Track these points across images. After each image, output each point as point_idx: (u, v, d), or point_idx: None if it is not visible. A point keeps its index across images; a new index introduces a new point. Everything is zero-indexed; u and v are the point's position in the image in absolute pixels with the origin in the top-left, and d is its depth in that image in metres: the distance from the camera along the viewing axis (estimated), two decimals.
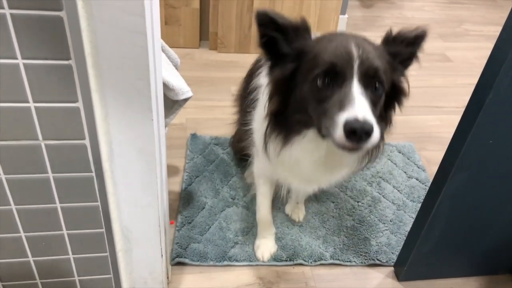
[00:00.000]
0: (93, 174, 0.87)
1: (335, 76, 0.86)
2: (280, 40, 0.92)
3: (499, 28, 3.24)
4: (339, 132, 0.81)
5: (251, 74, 1.32)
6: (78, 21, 0.69)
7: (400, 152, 1.96)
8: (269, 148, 1.06)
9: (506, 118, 1.10)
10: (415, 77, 2.53)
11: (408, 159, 1.93)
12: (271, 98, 0.98)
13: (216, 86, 2.28)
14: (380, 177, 1.82)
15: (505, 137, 1.13)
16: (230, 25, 2.46)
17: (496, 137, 1.13)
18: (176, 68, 1.55)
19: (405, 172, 1.86)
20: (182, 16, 2.43)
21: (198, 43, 2.55)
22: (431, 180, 1.82)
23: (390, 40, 0.97)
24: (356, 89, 0.84)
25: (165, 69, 1.39)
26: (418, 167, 1.90)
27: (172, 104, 1.43)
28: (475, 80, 2.70)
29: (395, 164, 1.90)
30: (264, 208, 1.42)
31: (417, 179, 1.83)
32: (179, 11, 2.41)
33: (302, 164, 1.07)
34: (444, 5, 3.45)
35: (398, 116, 2.21)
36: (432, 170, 1.91)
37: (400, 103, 1.03)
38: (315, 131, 0.95)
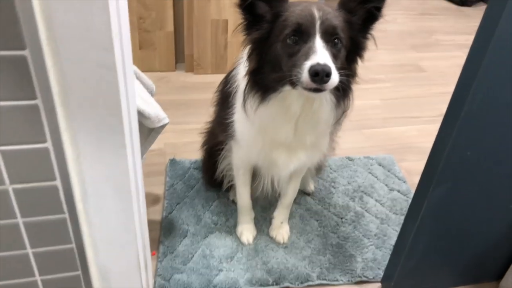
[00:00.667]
0: (66, 215, 0.83)
1: (301, 35, 1.03)
2: (259, 3, 1.07)
3: (469, 37, 3.34)
4: (305, 75, 0.98)
5: (231, 71, 1.40)
6: (43, 59, 0.67)
7: (380, 165, 1.97)
8: (247, 105, 1.17)
9: (482, 129, 1.11)
10: (390, 88, 2.57)
11: (389, 171, 1.94)
12: (249, 57, 1.13)
13: (194, 109, 2.27)
14: (362, 191, 1.82)
15: (483, 148, 1.14)
16: (206, 47, 2.45)
17: (473, 149, 1.14)
18: (152, 95, 1.53)
19: (386, 185, 1.87)
20: (156, 40, 2.42)
21: (174, 66, 2.54)
22: (412, 192, 1.84)
23: (346, 2, 1.10)
24: (319, 43, 1.01)
25: (140, 97, 1.37)
26: (399, 179, 1.90)
27: (148, 132, 1.41)
28: (448, 89, 2.74)
29: (376, 177, 1.90)
30: (245, 195, 1.55)
31: (398, 191, 1.84)
32: (153, 35, 2.40)
33: (279, 122, 1.18)
34: (415, 16, 3.53)
35: (377, 129, 2.23)
36: (412, 181, 1.92)
37: (360, 56, 1.16)
38: (289, 88, 1.07)
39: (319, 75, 0.96)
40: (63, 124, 0.74)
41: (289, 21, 1.04)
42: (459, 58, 2.97)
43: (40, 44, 0.65)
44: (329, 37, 1.03)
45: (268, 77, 1.10)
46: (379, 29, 3.51)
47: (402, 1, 3.81)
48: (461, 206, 1.26)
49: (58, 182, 0.80)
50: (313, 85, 0.99)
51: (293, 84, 1.04)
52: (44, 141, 0.74)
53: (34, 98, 0.69)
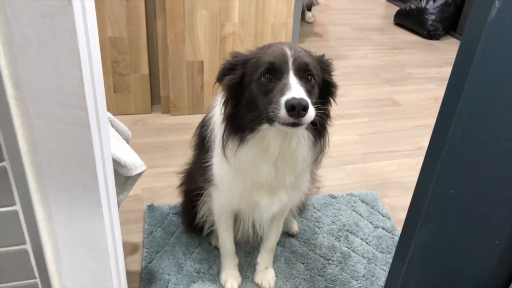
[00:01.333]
0: (38, 280, 0.77)
1: (275, 72, 1.06)
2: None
3: (439, 70, 3.42)
4: (282, 111, 0.99)
5: (207, 115, 1.41)
6: (11, 120, 0.63)
7: (363, 202, 1.95)
8: (227, 150, 1.16)
9: (464, 167, 1.10)
10: (367, 123, 2.59)
11: (372, 208, 1.92)
12: (225, 103, 1.14)
13: (171, 151, 2.22)
14: (347, 230, 1.79)
15: (466, 186, 1.14)
16: (182, 88, 2.44)
17: (457, 187, 1.13)
18: (127, 141, 1.49)
19: (371, 222, 1.84)
20: (131, 83, 2.40)
21: (150, 108, 2.51)
22: (397, 228, 1.83)
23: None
24: (292, 79, 1.04)
25: (115, 144, 1.33)
26: (383, 216, 1.88)
27: (125, 180, 1.36)
28: (424, 121, 2.79)
29: (360, 214, 1.88)
30: (228, 241, 1.50)
31: (383, 228, 1.82)
32: (128, 78, 2.38)
33: (259, 162, 1.16)
34: (386, 51, 3.62)
35: (357, 165, 2.23)
36: (396, 217, 1.91)
37: (332, 95, 1.18)
38: (266, 126, 1.09)
39: (296, 108, 0.97)
40: (33, 185, 0.69)
41: (262, 60, 1.07)
42: (432, 90, 3.04)
43: (7, 103, 0.61)
44: (302, 73, 1.07)
45: (245, 118, 1.11)
46: (352, 65, 3.58)
47: (372, 37, 3.92)
48: (449, 245, 1.25)
49: (28, 246, 0.74)
50: (291, 120, 0.99)
51: (271, 121, 1.05)
52: (13, 204, 0.69)
53: (1, 160, 0.65)
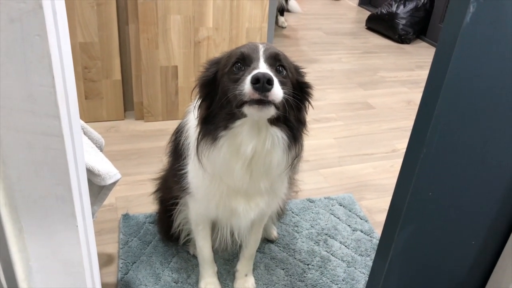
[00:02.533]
0: None
1: (245, 61, 1.06)
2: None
3: (411, 73, 3.48)
4: (247, 86, 0.97)
5: (181, 122, 1.38)
6: None
7: (341, 205, 1.95)
8: (200, 153, 1.14)
9: (442, 169, 1.11)
10: (342, 127, 2.61)
11: (350, 211, 1.93)
12: (200, 105, 1.13)
13: (146, 158, 2.18)
14: (326, 234, 1.79)
15: (443, 188, 1.15)
16: (156, 94, 2.40)
17: (435, 189, 1.14)
18: (101, 150, 1.44)
19: (349, 225, 1.85)
20: (103, 89, 2.34)
21: (123, 114, 2.45)
22: (375, 231, 1.84)
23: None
24: (262, 65, 1.03)
25: (88, 153, 1.29)
26: (361, 218, 1.89)
27: (99, 190, 1.32)
28: (398, 124, 2.83)
29: (338, 218, 1.88)
30: (206, 249, 1.47)
31: (361, 231, 1.82)
32: (100, 84, 2.32)
33: (232, 164, 1.13)
34: (359, 55, 3.66)
35: (334, 168, 2.23)
36: (374, 219, 1.92)
37: (309, 96, 1.16)
38: (239, 123, 1.07)
39: (260, 80, 0.94)
40: (2, 199, 0.65)
41: (234, 53, 1.09)
42: (404, 93, 3.09)
43: None
44: (273, 61, 1.06)
45: (219, 117, 1.09)
46: (326, 69, 3.61)
47: (345, 41, 3.97)
48: (428, 246, 1.26)
49: None
50: (256, 95, 0.96)
51: (240, 108, 1.02)
52: None
53: None
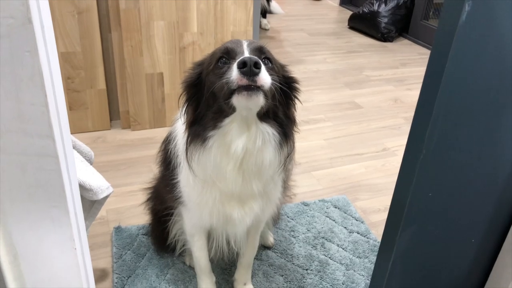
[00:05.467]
0: None
1: (230, 54, 1.03)
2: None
3: (395, 71, 3.50)
4: (234, 73, 0.94)
5: (170, 130, 1.35)
6: None
7: (336, 207, 1.94)
8: (190, 158, 1.10)
9: (441, 170, 1.10)
10: (332, 127, 2.60)
11: (345, 213, 1.91)
12: (186, 109, 1.10)
13: (135, 168, 2.13)
14: (323, 237, 1.77)
15: (443, 188, 1.14)
16: (142, 102, 2.35)
17: (435, 189, 1.13)
18: (90, 163, 1.40)
19: (345, 228, 1.83)
20: (88, 99, 2.29)
21: (109, 124, 2.40)
22: (371, 231, 1.83)
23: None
24: (247, 54, 1.01)
25: (79, 168, 1.25)
26: (356, 220, 1.88)
27: (90, 204, 1.28)
28: (386, 123, 2.83)
29: (334, 220, 1.87)
30: (203, 259, 1.43)
31: (358, 233, 1.81)
32: (84, 94, 2.26)
33: (223, 165, 1.09)
34: (343, 55, 3.67)
35: (326, 170, 2.22)
36: (369, 220, 1.91)
37: (296, 92, 1.13)
38: (228, 121, 1.04)
39: (247, 64, 0.92)
40: None
41: (217, 50, 1.07)
42: (390, 91, 3.10)
43: None
44: (258, 54, 1.04)
45: (206, 118, 1.07)
46: (311, 70, 3.60)
47: (328, 41, 3.97)
48: (429, 246, 1.25)
49: None
50: (243, 80, 0.94)
51: (228, 99, 0.98)
52: None
53: None
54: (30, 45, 0.52)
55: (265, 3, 4.09)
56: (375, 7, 3.98)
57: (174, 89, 2.38)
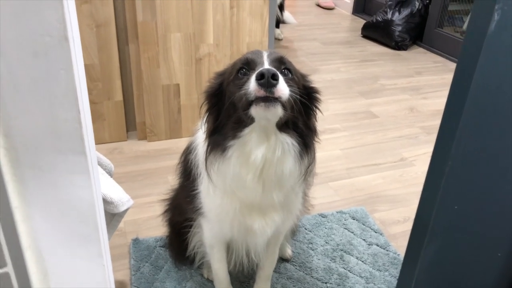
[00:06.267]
0: None
1: (250, 65, 1.04)
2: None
3: (410, 79, 3.47)
4: (252, 84, 0.95)
5: (190, 141, 1.34)
6: (1, 177, 0.55)
7: (354, 219, 1.92)
8: (209, 167, 1.11)
9: (467, 182, 1.08)
10: (348, 137, 2.58)
11: (364, 224, 1.89)
12: (207, 119, 1.11)
13: (152, 179, 2.13)
14: (341, 250, 1.75)
15: (470, 200, 1.12)
16: (158, 113, 2.36)
17: (461, 202, 1.11)
18: (110, 175, 1.41)
19: (364, 240, 1.81)
20: (105, 110, 2.30)
21: (125, 135, 2.41)
22: (391, 244, 1.80)
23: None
24: (267, 65, 1.01)
25: (100, 180, 1.25)
26: (375, 232, 1.85)
27: (111, 217, 1.28)
28: (403, 132, 2.80)
29: (352, 232, 1.84)
30: (222, 272, 1.44)
31: (377, 245, 1.78)
32: (101, 106, 2.28)
33: (243, 175, 1.09)
34: (357, 64, 3.65)
35: (343, 181, 2.20)
36: (388, 232, 1.88)
37: (316, 100, 1.13)
38: (248, 130, 1.04)
39: (265, 75, 0.92)
40: (26, 242, 0.61)
41: (238, 61, 1.08)
42: (406, 100, 3.08)
43: None
44: (278, 64, 1.04)
45: (226, 127, 1.07)
46: (325, 79, 3.58)
47: (342, 50, 3.96)
48: (454, 259, 1.22)
49: None
50: (261, 92, 0.94)
51: (247, 110, 0.99)
52: (3, 265, 0.61)
53: None
54: (65, 62, 0.52)
55: (278, 13, 4.10)
56: (389, 16, 3.97)
57: (190, 100, 2.39)
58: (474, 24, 0.91)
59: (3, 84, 0.50)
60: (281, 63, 1.06)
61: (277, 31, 4.12)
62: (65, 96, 0.54)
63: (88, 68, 2.19)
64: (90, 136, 0.65)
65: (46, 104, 0.53)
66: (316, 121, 1.14)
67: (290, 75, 1.06)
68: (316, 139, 1.15)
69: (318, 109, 1.14)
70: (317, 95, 1.13)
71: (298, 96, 1.03)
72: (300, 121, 1.07)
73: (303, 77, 1.14)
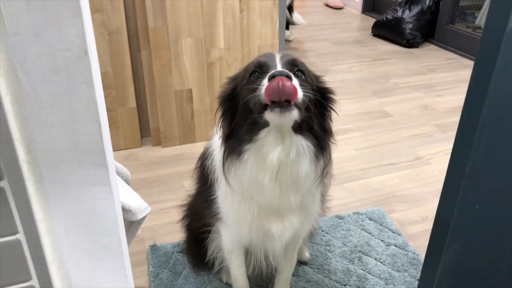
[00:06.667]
0: None
1: (262, 68, 1.03)
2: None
3: (423, 77, 3.44)
4: (265, 87, 0.94)
5: (207, 147, 1.35)
6: (24, 186, 0.56)
7: (371, 220, 1.90)
8: (227, 172, 1.11)
9: (487, 182, 1.07)
10: (362, 137, 2.57)
11: (381, 225, 1.87)
12: (222, 123, 1.11)
13: (167, 185, 2.14)
14: (360, 251, 1.74)
15: (491, 199, 1.10)
16: (172, 118, 2.37)
17: (481, 202, 1.09)
18: (127, 183, 1.41)
19: (382, 240, 1.79)
20: (119, 117, 2.32)
21: (139, 141, 2.43)
22: (409, 244, 1.78)
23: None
24: (279, 68, 1.01)
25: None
26: (393, 232, 1.84)
27: (129, 225, 1.28)
28: (417, 131, 2.78)
29: (370, 233, 1.83)
30: (241, 277, 1.43)
31: (395, 246, 1.77)
32: (115, 113, 2.30)
33: (260, 177, 1.09)
34: (369, 63, 3.63)
35: (358, 181, 2.18)
36: (406, 232, 1.86)
37: (331, 101, 1.12)
38: (263, 134, 1.04)
39: (276, 77, 0.93)
40: (50, 255, 0.62)
41: (251, 64, 1.08)
42: (420, 98, 3.05)
43: (20, 168, 0.54)
44: (291, 67, 1.04)
45: (241, 131, 1.06)
46: (337, 79, 3.55)
47: (353, 50, 3.94)
48: (476, 260, 1.20)
49: None
50: None
51: (261, 113, 0.99)
52: (29, 278, 0.61)
53: (15, 232, 0.57)
54: (86, 76, 0.52)
55: (288, 15, 4.09)
56: (399, 14, 3.94)
57: (203, 105, 2.40)
58: (492, 22, 0.90)
59: (27, 101, 0.50)
60: (294, 65, 1.05)
61: (287, 32, 4.12)
62: (86, 109, 0.54)
63: (101, 76, 2.20)
64: (109, 147, 0.65)
65: (68, 118, 0.54)
66: (332, 122, 1.14)
67: (303, 77, 1.05)
68: (332, 140, 1.14)
69: (333, 109, 1.13)
70: (332, 96, 1.13)
71: (312, 97, 1.02)
72: (315, 122, 1.07)
73: (317, 78, 1.13)
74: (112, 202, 0.61)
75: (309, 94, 1.01)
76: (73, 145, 0.55)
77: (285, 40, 4.08)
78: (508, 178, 1.08)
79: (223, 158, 1.11)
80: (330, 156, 1.14)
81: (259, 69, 1.04)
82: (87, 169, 0.57)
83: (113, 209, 0.62)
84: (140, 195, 1.31)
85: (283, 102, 0.94)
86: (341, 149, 2.45)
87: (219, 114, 1.12)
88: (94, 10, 2.08)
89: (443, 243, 1.14)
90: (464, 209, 1.08)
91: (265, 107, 0.97)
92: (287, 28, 4.14)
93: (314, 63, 3.62)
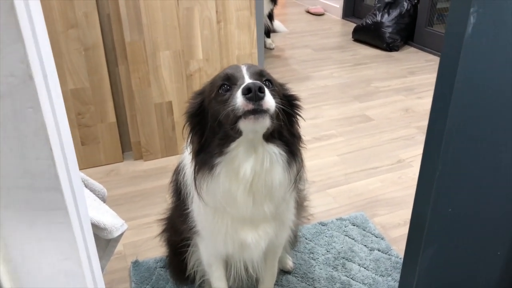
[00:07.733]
0: None
1: (231, 81, 1.03)
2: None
3: (404, 80, 3.47)
4: (239, 99, 0.95)
5: (178, 165, 1.35)
6: None
7: (354, 225, 1.90)
8: (199, 187, 1.10)
9: (459, 184, 1.08)
10: (344, 142, 2.58)
11: (364, 230, 1.88)
12: (192, 139, 1.11)
13: (149, 199, 2.13)
14: (343, 258, 1.73)
15: (463, 202, 1.11)
16: (152, 131, 2.36)
17: (454, 205, 1.10)
18: (103, 200, 1.40)
19: (365, 246, 1.79)
20: (99, 133, 2.30)
21: (121, 156, 2.41)
22: (392, 248, 1.78)
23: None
24: (248, 80, 1.01)
25: (92, 207, 1.24)
26: (376, 236, 1.84)
27: (106, 243, 1.27)
28: (398, 134, 2.80)
29: (353, 239, 1.83)
30: None
31: (379, 250, 1.77)
32: (95, 128, 2.28)
33: (233, 190, 1.09)
34: (349, 68, 3.66)
35: (341, 187, 2.19)
36: (389, 236, 1.87)
37: (298, 107, 1.14)
38: (234, 145, 1.04)
39: (252, 89, 0.93)
40: (7, 284, 0.60)
41: (217, 77, 1.08)
42: (401, 101, 3.07)
43: None
44: (259, 77, 1.05)
45: (212, 145, 1.07)
46: (319, 85, 3.57)
47: (334, 56, 3.97)
48: (454, 262, 1.21)
49: None
50: (249, 105, 0.94)
51: (235, 124, 0.99)
52: None
53: None
54: (33, 101, 0.52)
55: (268, 23, 4.11)
56: (378, 18, 3.98)
57: (183, 117, 2.39)
58: (451, 28, 0.91)
59: None
60: (261, 75, 1.07)
61: (268, 40, 4.14)
62: (35, 134, 0.53)
63: (79, 92, 2.19)
64: (71, 168, 0.64)
65: (16, 143, 0.53)
66: (300, 127, 1.15)
67: (271, 86, 1.07)
68: (302, 145, 1.15)
69: (300, 115, 1.15)
70: (298, 102, 1.15)
71: (281, 106, 1.03)
72: (284, 129, 1.08)
73: (282, 86, 1.15)
74: (69, 226, 0.60)
75: (279, 104, 1.02)
76: (23, 170, 0.54)
77: (267, 48, 4.10)
78: (478, 180, 1.09)
79: (194, 174, 1.10)
80: (302, 160, 1.16)
81: (227, 81, 1.04)
82: (40, 194, 0.56)
83: (71, 233, 0.61)
84: (122, 210, 1.30)
85: (257, 109, 0.95)
86: (323, 154, 2.46)
87: (187, 129, 1.12)
88: (69, 26, 2.08)
89: (419, 246, 1.14)
90: (437, 212, 1.09)
91: (239, 117, 0.98)
92: (268, 36, 4.16)
93: (295, 70, 3.64)
